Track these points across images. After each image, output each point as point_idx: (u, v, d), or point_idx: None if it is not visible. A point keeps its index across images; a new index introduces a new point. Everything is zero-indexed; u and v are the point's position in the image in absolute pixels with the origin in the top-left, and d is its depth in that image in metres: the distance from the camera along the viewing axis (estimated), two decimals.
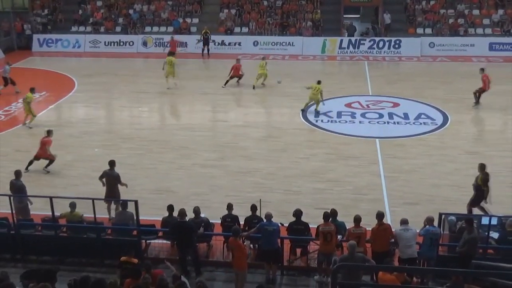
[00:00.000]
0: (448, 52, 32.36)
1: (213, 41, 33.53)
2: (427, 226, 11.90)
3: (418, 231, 12.06)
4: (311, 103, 22.82)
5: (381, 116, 22.42)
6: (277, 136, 20.51)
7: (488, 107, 23.44)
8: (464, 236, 11.69)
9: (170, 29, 35.78)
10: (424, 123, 21.52)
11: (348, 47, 33.21)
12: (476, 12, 34.48)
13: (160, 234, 13.13)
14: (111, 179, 14.42)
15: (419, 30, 33.88)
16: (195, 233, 12.26)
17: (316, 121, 21.97)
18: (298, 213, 12.54)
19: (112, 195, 14.27)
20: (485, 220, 12.77)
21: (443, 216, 12.41)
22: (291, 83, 26.87)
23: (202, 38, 33.15)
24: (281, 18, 35.70)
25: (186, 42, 33.83)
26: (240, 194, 15.60)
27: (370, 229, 12.22)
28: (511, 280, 8.80)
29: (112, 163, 14.60)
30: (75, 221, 13.09)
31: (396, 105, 23.61)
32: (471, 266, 10.91)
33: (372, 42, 33.24)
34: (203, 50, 33.30)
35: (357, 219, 12.01)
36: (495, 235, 12.59)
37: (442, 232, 12.39)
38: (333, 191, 16.18)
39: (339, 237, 12.19)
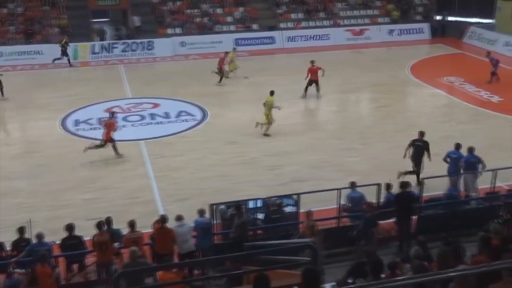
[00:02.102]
0: (199, 50, 33.70)
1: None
2: (197, 218, 12.38)
3: (192, 225, 12.46)
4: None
5: (143, 117, 22.53)
6: (36, 151, 19.31)
7: (240, 99, 25.09)
8: (235, 221, 12.42)
9: None
10: (185, 120, 22.22)
11: (101, 52, 32.57)
12: (219, 10, 36.52)
13: None
14: None
15: (170, 31, 34.69)
16: None
17: (77, 130, 21.23)
18: (69, 228, 12.03)
19: None
20: (251, 204, 13.70)
21: (213, 207, 12.99)
22: (45, 93, 25.46)
23: (61, 49, 30.38)
24: (25, 25, 33.54)
25: None
26: (3, 218, 14.34)
27: (152, 230, 12.32)
28: (280, 254, 9.62)
29: None
30: None
31: (156, 105, 23.93)
32: (245, 249, 11.60)
33: (125, 45, 33.09)
34: (68, 60, 30.62)
35: (132, 224, 11.96)
36: (261, 216, 13.59)
37: (214, 221, 12.96)
38: (104, 199, 15.84)
39: (116, 244, 12.01)
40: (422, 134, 16.57)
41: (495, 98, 24.59)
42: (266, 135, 20.35)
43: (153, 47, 33.12)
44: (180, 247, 12.10)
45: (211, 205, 12.94)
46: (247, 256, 9.64)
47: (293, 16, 37.01)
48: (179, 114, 22.74)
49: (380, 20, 37.59)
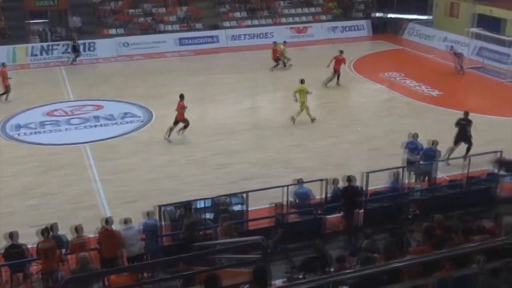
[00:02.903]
0: (142, 50, 33.23)
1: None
2: (145, 220, 12.27)
3: (141, 227, 12.32)
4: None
5: (86, 120, 22.08)
6: None
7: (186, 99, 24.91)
8: (184, 222, 12.35)
9: None
10: (130, 122, 21.92)
11: (41, 54, 31.68)
12: (162, 10, 36.13)
13: None
14: None
15: (111, 31, 34.07)
16: None
17: (18, 134, 20.62)
18: (12, 236, 11.68)
19: None
20: (200, 204, 13.64)
21: (161, 208, 12.87)
22: None
23: (71, 46, 31.04)
24: None
25: None
26: None
27: (97, 235, 12.10)
28: (230, 253, 9.67)
29: None
30: None
31: (100, 107, 23.48)
32: (195, 249, 11.56)
33: (65, 46, 32.29)
34: (73, 58, 30.95)
35: (78, 229, 11.73)
36: (210, 215, 13.56)
37: (163, 223, 12.85)
38: (48, 205, 15.48)
39: (62, 251, 11.75)
40: (466, 114, 17.82)
41: (435, 92, 25.34)
42: (313, 119, 21.57)
43: (94, 48, 32.43)
44: (128, 250, 11.94)
45: (159, 206, 12.83)
46: (198, 257, 9.61)
47: (236, 15, 37.02)
48: (123, 116, 22.41)
49: (322, 17, 38.08)
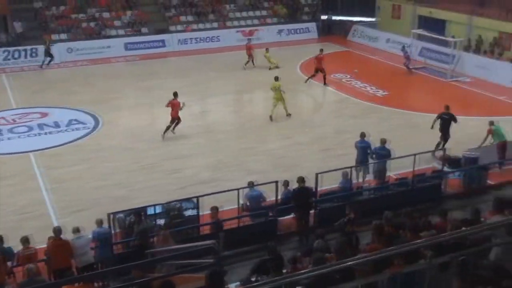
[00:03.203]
0: (87, 55, 32.59)
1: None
2: (95, 229, 12.06)
3: (90, 236, 12.08)
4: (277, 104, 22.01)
5: (30, 128, 21.50)
6: None
7: (132, 104, 24.61)
8: (135, 229, 12.19)
9: None
10: (77, 129, 21.47)
11: None
12: (107, 14, 35.55)
13: None
14: None
15: (55, 37, 33.31)
16: None
17: None
18: None
19: None
20: (151, 210, 13.46)
21: (111, 216, 12.65)
22: None
23: (47, 49, 30.55)
24: None
25: None
26: None
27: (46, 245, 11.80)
28: (183, 259, 9.59)
29: None
30: None
31: (44, 115, 22.91)
32: (147, 256, 11.41)
33: (6, 53, 31.37)
34: (45, 62, 30.60)
35: (25, 240, 11.40)
36: (162, 221, 13.41)
37: (113, 231, 12.63)
38: None
39: (9, 263, 11.38)
40: (447, 107, 18.27)
41: (380, 93, 25.86)
42: (271, 117, 22.05)
43: (37, 54, 31.62)
44: (79, 260, 11.68)
45: (109, 214, 12.60)
46: (150, 263, 9.49)
47: (183, 18, 36.83)
48: (69, 123, 21.93)
49: (269, 20, 38.32)
